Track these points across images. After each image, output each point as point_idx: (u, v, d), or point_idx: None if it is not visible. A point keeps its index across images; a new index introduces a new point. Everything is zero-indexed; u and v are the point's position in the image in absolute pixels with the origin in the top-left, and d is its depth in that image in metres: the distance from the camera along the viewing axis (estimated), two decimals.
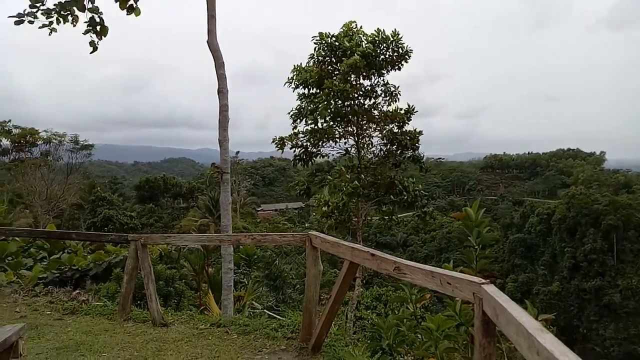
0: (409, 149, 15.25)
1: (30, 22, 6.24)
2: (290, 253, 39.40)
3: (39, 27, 6.35)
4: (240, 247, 18.24)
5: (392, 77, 15.81)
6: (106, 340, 4.80)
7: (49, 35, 6.44)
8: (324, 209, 15.31)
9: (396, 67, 14.98)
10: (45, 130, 34.81)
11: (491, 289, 2.23)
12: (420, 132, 15.41)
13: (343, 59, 14.36)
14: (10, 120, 34.51)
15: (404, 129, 15.36)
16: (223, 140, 7.29)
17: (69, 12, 6.40)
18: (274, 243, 6.07)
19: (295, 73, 15.25)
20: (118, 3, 6.71)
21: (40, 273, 9.02)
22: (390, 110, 15.32)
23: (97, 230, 35.89)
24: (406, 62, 14.95)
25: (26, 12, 6.19)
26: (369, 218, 20.02)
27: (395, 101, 15.45)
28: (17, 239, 10.94)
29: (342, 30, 14.92)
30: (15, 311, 6.02)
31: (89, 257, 10.99)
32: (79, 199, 39.34)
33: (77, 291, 7.10)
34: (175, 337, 4.96)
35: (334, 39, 14.58)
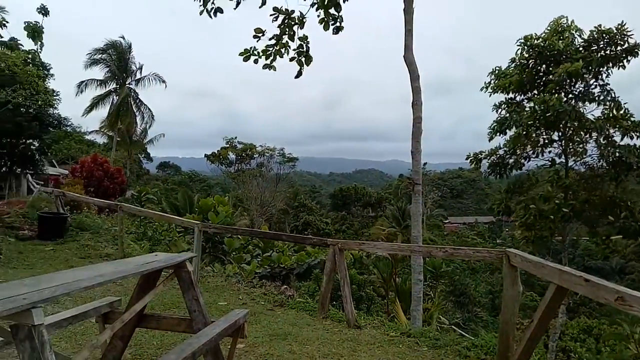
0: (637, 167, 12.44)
1: (255, 62, 7.46)
2: (478, 270, 37.17)
3: (263, 67, 7.55)
4: (427, 259, 17.96)
5: (611, 76, 13.34)
6: (308, 334, 5.32)
7: (269, 70, 7.59)
8: (520, 224, 13.94)
9: (620, 65, 12.73)
10: (260, 145, 40.60)
11: None
12: None
13: (553, 60, 12.87)
14: (236, 137, 41.41)
15: (628, 143, 12.68)
16: (415, 152, 7.37)
17: (283, 46, 7.42)
18: (467, 257, 5.87)
19: (493, 78, 14.29)
20: (322, 24, 7.45)
21: (256, 268, 10.54)
22: (612, 115, 12.88)
23: (299, 233, 40.02)
24: (635, 56, 12.56)
25: (251, 48, 7.42)
26: (576, 238, 17.19)
27: (616, 105, 13.03)
28: (239, 237, 13.07)
29: (549, 27, 13.41)
30: (239, 298, 7.15)
31: (293, 257, 12.36)
32: (284, 205, 44.65)
33: (285, 287, 8.06)
34: (367, 340, 5.20)
35: (540, 40, 13.22)
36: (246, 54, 7.45)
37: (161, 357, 3.42)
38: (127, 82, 36.61)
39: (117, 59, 35.74)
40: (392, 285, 14.52)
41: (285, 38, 7.46)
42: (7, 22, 26.25)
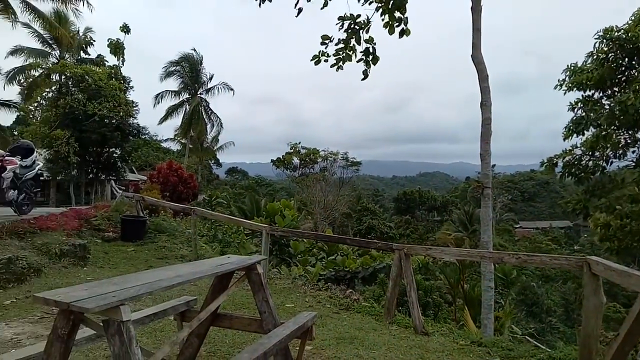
0: None
1: (325, 61, 7.59)
2: (553, 277, 35.09)
3: (330, 66, 7.65)
4: (497, 265, 17.23)
5: None
6: (375, 339, 5.29)
7: (336, 71, 7.69)
8: (601, 230, 12.92)
9: None
10: (323, 150, 41.08)
11: None
12: None
13: (637, 53, 11.87)
14: (300, 142, 42.24)
15: None
16: (485, 154, 7.11)
17: (352, 48, 7.48)
18: (542, 265, 5.57)
19: (568, 74, 13.39)
20: (387, 29, 7.40)
21: (321, 270, 10.66)
22: None
23: (362, 237, 39.89)
24: None
25: (320, 52, 7.55)
26: None
27: None
28: (304, 240, 13.29)
29: (633, 18, 12.38)
30: (305, 300, 7.26)
31: (357, 260, 12.36)
32: (347, 208, 44.76)
33: (350, 290, 8.09)
34: (436, 348, 5.08)
35: (622, 32, 12.24)
36: (316, 59, 7.60)
37: (235, 356, 3.57)
38: (198, 92, 38.68)
39: (189, 71, 37.90)
40: (460, 292, 14.05)
41: (352, 42, 7.51)
42: (94, 40, 28.76)
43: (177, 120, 39.00)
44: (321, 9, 7.38)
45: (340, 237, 11.50)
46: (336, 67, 7.72)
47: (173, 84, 38.55)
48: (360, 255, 14.30)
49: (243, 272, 3.80)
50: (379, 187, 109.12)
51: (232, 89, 39.13)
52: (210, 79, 39.09)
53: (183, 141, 41.53)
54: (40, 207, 12.89)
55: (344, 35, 7.54)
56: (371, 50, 7.57)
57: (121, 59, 24.64)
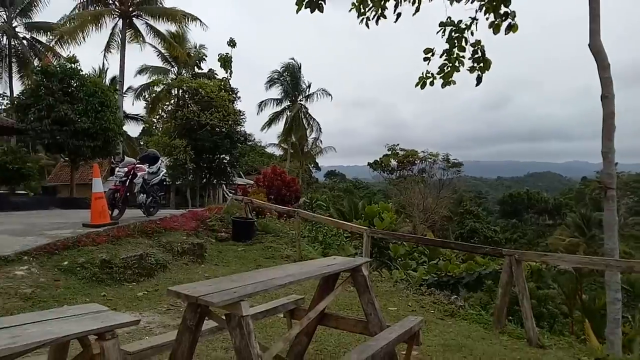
0: None
1: (431, 84, 7.37)
2: None
3: (442, 87, 7.35)
4: (622, 274, 15.42)
5: None
6: (484, 348, 5.05)
7: (442, 88, 7.41)
8: None
9: None
10: (422, 151, 40.20)
11: None
12: None
13: None
14: (398, 144, 41.84)
15: None
16: (608, 151, 6.41)
17: (457, 59, 7.15)
18: None
19: None
20: (492, 29, 7.02)
21: (423, 275, 10.43)
22: None
23: (464, 240, 38.19)
24: None
25: (424, 74, 7.34)
26: None
27: None
28: (404, 243, 13.11)
29: None
30: (408, 305, 7.15)
31: (461, 266, 11.88)
32: (448, 211, 43.19)
33: (455, 296, 7.80)
34: None
35: None
36: (421, 82, 7.40)
37: (343, 356, 3.67)
38: (298, 99, 40.25)
39: (290, 79, 39.65)
40: (578, 303, 12.82)
41: (456, 51, 7.17)
42: (206, 56, 31.38)
43: (279, 126, 40.97)
44: (413, 15, 7.20)
45: (444, 240, 11.12)
46: (447, 84, 7.38)
47: (275, 92, 40.64)
48: (464, 260, 13.71)
49: (348, 273, 3.89)
50: (482, 189, 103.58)
51: (329, 94, 40.11)
52: (309, 86, 40.48)
53: (285, 146, 43.39)
54: (162, 209, 14.31)
55: (445, 45, 7.22)
56: (480, 53, 7.15)
57: (229, 71, 26.53)
